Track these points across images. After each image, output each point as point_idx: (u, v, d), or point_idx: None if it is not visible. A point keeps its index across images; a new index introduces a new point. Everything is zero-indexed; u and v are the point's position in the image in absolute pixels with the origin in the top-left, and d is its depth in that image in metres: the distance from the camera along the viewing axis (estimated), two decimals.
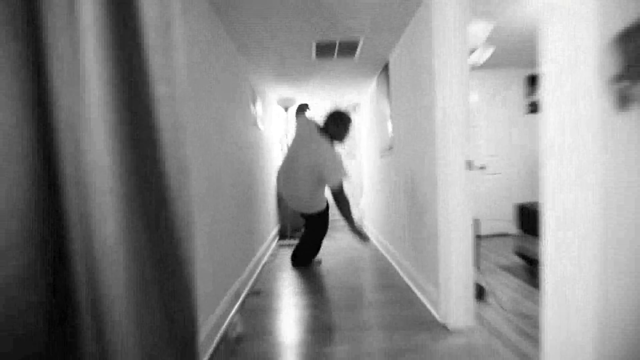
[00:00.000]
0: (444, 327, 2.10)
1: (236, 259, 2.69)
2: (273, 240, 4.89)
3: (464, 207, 2.09)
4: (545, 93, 0.96)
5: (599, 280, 0.72)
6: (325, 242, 4.15)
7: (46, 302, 0.93)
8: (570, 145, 0.82)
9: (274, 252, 4.47)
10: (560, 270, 0.82)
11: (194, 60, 1.89)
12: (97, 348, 0.94)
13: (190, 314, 1.07)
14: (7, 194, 0.86)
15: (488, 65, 4.31)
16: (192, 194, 0.99)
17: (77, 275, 0.94)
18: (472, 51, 3.19)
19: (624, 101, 0.74)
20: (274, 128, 5.47)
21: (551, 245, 0.85)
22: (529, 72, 4.65)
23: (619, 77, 0.73)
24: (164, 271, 0.97)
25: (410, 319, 2.26)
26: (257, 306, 2.60)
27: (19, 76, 0.86)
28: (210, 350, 1.90)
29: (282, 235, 5.33)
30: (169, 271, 0.98)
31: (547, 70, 0.94)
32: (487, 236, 4.58)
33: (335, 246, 4.54)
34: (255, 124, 3.93)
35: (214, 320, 2.00)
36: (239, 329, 2.10)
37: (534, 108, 4.67)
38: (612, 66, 0.74)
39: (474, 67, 4.01)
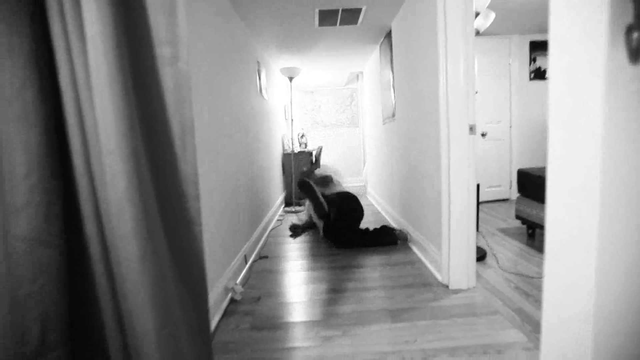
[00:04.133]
0: (445, 287, 2.17)
1: (243, 224, 2.75)
2: (279, 206, 5.03)
3: (467, 171, 2.11)
4: (553, 54, 0.93)
5: (598, 244, 0.74)
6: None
7: (60, 259, 0.98)
8: (578, 108, 0.81)
9: (280, 217, 4.58)
10: (561, 235, 0.83)
11: (197, 29, 1.88)
12: (111, 304, 1.00)
13: (199, 272, 1.11)
14: (20, 158, 0.89)
15: (489, 32, 4.25)
16: (196, 155, 1.01)
17: (88, 237, 0.98)
18: (476, 15, 3.12)
19: (636, 53, 0.71)
20: (277, 97, 5.45)
21: (554, 211, 0.86)
22: (531, 38, 4.60)
23: (632, 28, 0.71)
24: (173, 229, 1.02)
25: (412, 279, 2.33)
26: (265, 269, 2.69)
27: (22, 33, 0.88)
28: (221, 310, 1.98)
29: (288, 202, 5.47)
30: (177, 229, 1.02)
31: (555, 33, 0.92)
32: (487, 202, 4.63)
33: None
34: (260, 93, 3.93)
35: (223, 282, 2.08)
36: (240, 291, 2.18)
37: (537, 74, 4.64)
38: (625, 16, 0.72)
39: (477, 34, 3.96)
